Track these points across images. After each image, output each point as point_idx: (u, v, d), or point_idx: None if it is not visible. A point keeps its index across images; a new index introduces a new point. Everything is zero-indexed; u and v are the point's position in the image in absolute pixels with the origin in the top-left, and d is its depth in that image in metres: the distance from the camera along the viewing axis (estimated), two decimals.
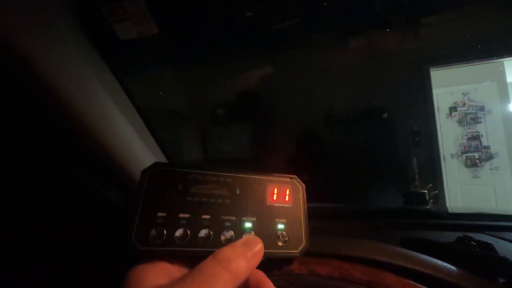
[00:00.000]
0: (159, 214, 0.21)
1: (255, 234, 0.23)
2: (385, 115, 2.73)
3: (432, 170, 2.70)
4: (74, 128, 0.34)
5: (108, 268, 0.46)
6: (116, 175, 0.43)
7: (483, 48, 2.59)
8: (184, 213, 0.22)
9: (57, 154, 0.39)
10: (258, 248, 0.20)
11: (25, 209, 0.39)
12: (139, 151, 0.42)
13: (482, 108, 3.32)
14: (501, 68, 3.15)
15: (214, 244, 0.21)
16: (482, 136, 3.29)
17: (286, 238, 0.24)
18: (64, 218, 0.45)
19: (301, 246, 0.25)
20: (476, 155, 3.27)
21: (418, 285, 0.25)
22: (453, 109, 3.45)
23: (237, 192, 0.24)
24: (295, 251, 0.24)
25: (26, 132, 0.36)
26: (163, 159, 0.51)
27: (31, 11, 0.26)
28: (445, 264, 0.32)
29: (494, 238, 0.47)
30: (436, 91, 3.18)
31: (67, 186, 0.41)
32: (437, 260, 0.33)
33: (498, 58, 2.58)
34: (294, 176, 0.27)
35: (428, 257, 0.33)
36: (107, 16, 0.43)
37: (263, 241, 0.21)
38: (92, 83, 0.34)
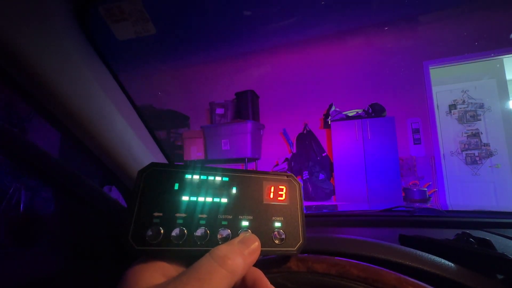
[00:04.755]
0: (156, 214, 0.21)
1: (252, 232, 0.23)
2: (385, 113, 2.73)
3: (432, 168, 2.71)
4: (72, 128, 0.34)
5: (109, 267, 0.46)
6: (115, 175, 0.43)
7: (481, 45, 2.59)
8: (180, 212, 0.22)
9: (55, 154, 0.39)
10: (255, 245, 0.20)
11: (24, 209, 0.39)
12: (138, 151, 0.42)
13: (481, 106, 3.32)
14: (499, 65, 3.15)
15: (210, 243, 0.21)
16: (481, 133, 3.28)
17: (283, 236, 0.24)
18: (63, 217, 0.45)
19: (298, 244, 0.25)
20: (476, 152, 3.27)
21: (416, 282, 0.25)
22: (452, 106, 3.45)
23: (234, 191, 0.24)
24: (292, 249, 0.24)
25: (24, 131, 0.36)
26: (163, 159, 0.51)
27: (28, 10, 0.26)
28: (443, 261, 0.32)
29: (493, 235, 0.47)
30: (435, 89, 3.18)
31: (66, 186, 0.41)
32: (435, 257, 0.33)
33: (497, 56, 2.58)
34: (291, 174, 0.27)
35: (426, 254, 0.33)
36: (105, 16, 0.43)
37: (260, 239, 0.21)
38: (90, 83, 0.34)
